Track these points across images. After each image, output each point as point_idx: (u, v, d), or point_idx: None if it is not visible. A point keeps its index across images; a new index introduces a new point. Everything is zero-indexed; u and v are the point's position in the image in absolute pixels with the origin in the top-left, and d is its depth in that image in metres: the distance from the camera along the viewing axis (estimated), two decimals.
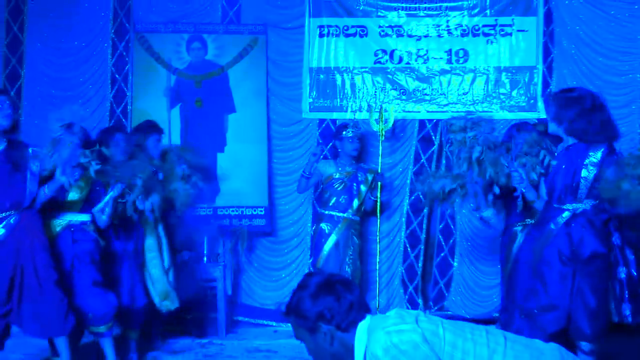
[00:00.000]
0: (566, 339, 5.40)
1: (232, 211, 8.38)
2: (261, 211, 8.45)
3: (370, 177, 7.78)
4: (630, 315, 5.69)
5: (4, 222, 5.78)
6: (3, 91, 6.24)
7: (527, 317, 5.61)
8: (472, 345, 3.11)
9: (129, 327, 6.83)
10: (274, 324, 8.41)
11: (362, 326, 3.21)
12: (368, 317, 3.24)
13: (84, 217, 6.28)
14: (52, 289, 5.81)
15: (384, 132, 7.92)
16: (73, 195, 6.20)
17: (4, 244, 5.77)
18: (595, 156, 5.54)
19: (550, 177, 5.74)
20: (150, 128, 7.25)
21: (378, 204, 7.80)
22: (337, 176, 7.73)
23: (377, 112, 7.99)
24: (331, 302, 3.21)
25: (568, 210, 5.58)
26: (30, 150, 5.89)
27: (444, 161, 8.38)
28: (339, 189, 7.70)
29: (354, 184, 7.75)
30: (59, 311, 5.82)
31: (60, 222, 6.19)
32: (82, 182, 6.18)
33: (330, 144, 8.28)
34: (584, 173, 5.56)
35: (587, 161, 5.56)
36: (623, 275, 5.69)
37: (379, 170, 7.85)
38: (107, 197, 6.31)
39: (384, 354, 3.01)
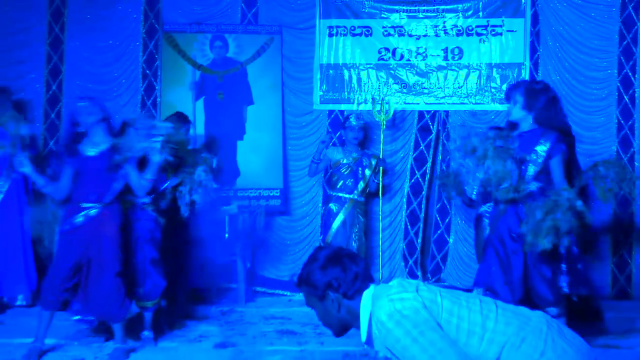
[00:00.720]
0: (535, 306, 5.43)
1: (251, 192, 8.66)
2: (277, 193, 8.73)
3: (374, 162, 8.01)
4: (567, 287, 5.92)
5: (84, 212, 5.99)
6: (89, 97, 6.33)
7: (490, 291, 5.76)
8: (466, 312, 3.15)
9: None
10: (289, 293, 8.53)
11: (367, 294, 3.27)
12: (372, 287, 3.29)
13: (145, 199, 6.46)
14: (112, 280, 5.99)
15: (385, 122, 8.14)
16: None
17: (78, 231, 5.97)
18: (545, 143, 5.78)
19: None
20: (180, 119, 7.26)
21: (380, 186, 8.06)
22: (344, 161, 7.99)
23: (379, 104, 8.19)
24: (338, 273, 3.27)
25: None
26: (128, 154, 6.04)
27: (440, 148, 8.63)
28: (345, 173, 7.96)
29: (359, 169, 7.98)
30: (116, 300, 6.02)
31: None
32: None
33: (339, 133, 8.48)
34: (532, 157, 5.79)
35: (537, 147, 5.79)
36: (562, 251, 5.86)
37: (381, 156, 8.11)
38: (166, 184, 6.61)
39: (388, 319, 3.08)
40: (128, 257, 6.35)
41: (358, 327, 3.31)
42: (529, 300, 5.73)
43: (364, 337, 3.27)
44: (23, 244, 7.83)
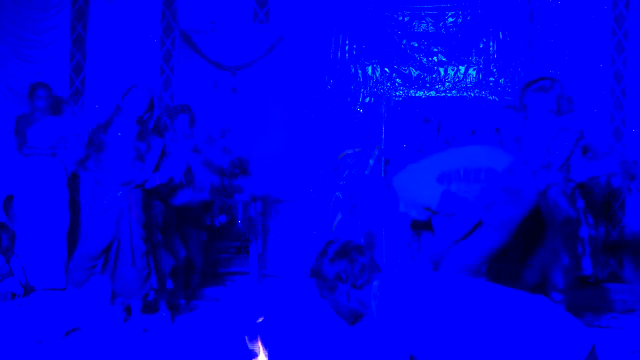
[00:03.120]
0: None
1: (263, 181, 8.60)
2: (287, 181, 8.77)
3: (376, 152, 7.94)
4: (590, 268, 6.05)
5: (113, 194, 6.01)
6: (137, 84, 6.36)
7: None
8: (470, 299, 3.18)
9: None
10: (299, 277, 8.41)
11: (375, 285, 3.31)
12: (379, 277, 3.35)
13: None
14: (139, 259, 6.08)
15: (386, 114, 8.31)
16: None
17: (108, 212, 6.00)
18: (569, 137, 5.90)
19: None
20: (183, 110, 7.35)
21: (383, 175, 8.01)
22: (349, 152, 7.93)
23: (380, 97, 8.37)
24: (346, 265, 3.36)
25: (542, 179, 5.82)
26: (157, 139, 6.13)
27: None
28: (350, 162, 7.85)
29: (364, 158, 7.88)
30: (139, 278, 6.10)
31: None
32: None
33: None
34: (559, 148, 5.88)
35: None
36: (586, 235, 6.02)
37: (383, 146, 8.13)
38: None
39: (399, 309, 3.15)
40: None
41: (369, 316, 3.33)
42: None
43: (375, 326, 3.28)
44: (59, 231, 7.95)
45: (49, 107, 7.98)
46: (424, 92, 8.76)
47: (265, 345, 4.63)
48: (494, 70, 8.64)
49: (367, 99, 8.77)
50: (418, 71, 8.79)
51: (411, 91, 8.80)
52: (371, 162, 8.04)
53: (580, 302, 6.43)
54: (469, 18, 8.69)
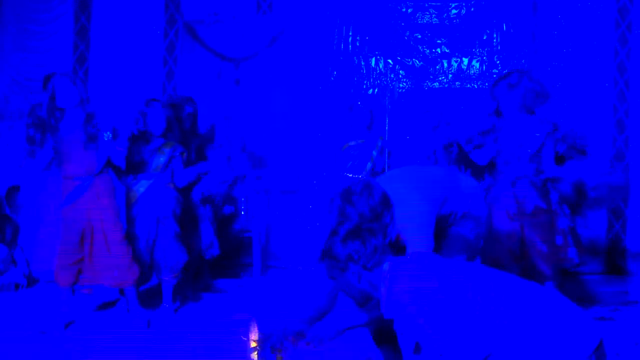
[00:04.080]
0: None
1: (266, 172, 8.60)
2: (290, 172, 8.69)
3: (380, 144, 7.97)
4: (577, 257, 6.09)
5: (79, 186, 5.96)
6: (67, 73, 6.26)
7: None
8: (480, 286, 3.15)
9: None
10: (302, 268, 8.35)
11: (387, 267, 3.30)
12: (390, 259, 3.33)
13: (166, 177, 6.59)
14: (117, 246, 6.02)
15: (390, 105, 8.08)
16: (158, 159, 6.54)
17: (77, 204, 5.96)
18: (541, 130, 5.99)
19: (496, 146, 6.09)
20: (187, 101, 7.33)
21: (386, 166, 7.98)
22: (352, 143, 7.93)
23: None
24: (358, 246, 3.32)
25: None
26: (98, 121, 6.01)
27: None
28: (354, 154, 7.90)
29: (367, 149, 7.91)
30: (123, 264, 6.04)
31: (146, 182, 6.52)
32: (166, 148, 6.58)
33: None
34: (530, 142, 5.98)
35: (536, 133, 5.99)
36: (566, 226, 6.06)
37: (386, 138, 8.06)
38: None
39: (408, 296, 3.12)
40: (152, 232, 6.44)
41: (379, 297, 3.31)
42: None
43: (384, 308, 3.26)
44: None
45: None
46: (427, 84, 8.73)
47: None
48: (498, 62, 8.62)
49: (371, 91, 8.74)
50: (422, 63, 8.77)
51: (414, 83, 8.77)
52: (374, 153, 8.08)
53: (582, 294, 6.45)
54: (472, 10, 8.67)
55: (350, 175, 7.96)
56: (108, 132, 6.08)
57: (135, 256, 6.26)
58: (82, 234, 5.99)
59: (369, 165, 8.01)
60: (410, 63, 8.77)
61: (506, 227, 5.94)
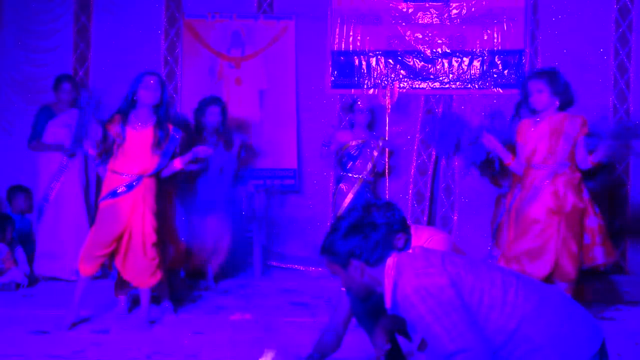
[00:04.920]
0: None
1: (266, 172, 8.65)
2: (291, 173, 8.78)
3: (380, 144, 8.06)
4: (602, 257, 6.15)
5: (128, 183, 6.00)
6: (151, 72, 6.29)
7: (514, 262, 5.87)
8: (489, 285, 3.10)
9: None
10: (302, 268, 8.60)
11: (390, 262, 3.24)
12: (394, 254, 3.27)
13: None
14: (150, 249, 6.05)
15: (390, 106, 8.12)
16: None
17: (122, 201, 6.00)
18: (574, 126, 5.94)
19: (531, 142, 6.04)
20: (215, 102, 7.65)
21: (387, 166, 8.09)
22: (352, 143, 8.00)
23: (384, 89, 8.26)
24: (360, 241, 3.27)
25: (552, 169, 5.93)
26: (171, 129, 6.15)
27: None
28: (354, 154, 7.97)
29: (367, 150, 7.99)
30: (149, 268, 6.07)
31: None
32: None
33: (348, 116, 8.43)
34: (564, 139, 5.93)
35: (569, 130, 5.94)
36: (595, 225, 6.10)
37: (387, 138, 8.13)
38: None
39: (414, 293, 3.04)
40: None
41: (381, 293, 3.27)
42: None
43: (389, 304, 3.23)
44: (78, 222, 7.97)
45: (73, 100, 7.97)
46: (428, 84, 8.69)
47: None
48: (499, 62, 8.59)
49: (371, 91, 8.71)
50: (422, 63, 8.75)
51: (415, 83, 8.75)
52: (375, 153, 8.07)
53: (584, 294, 6.44)
54: (473, 10, 8.64)
55: (351, 175, 8.00)
56: (177, 136, 6.20)
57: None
58: (121, 231, 6.02)
59: (369, 165, 8.04)
60: (411, 63, 8.75)
61: (544, 222, 5.92)
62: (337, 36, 8.80)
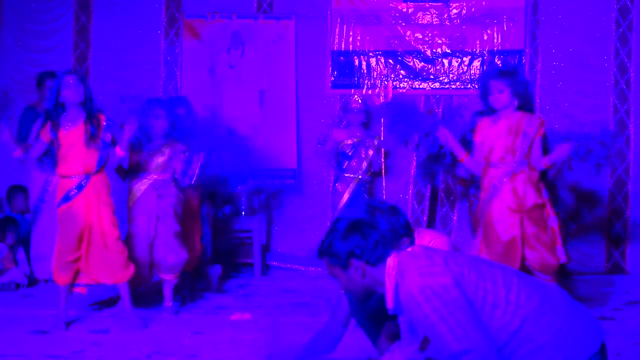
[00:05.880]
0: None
1: (266, 172, 8.58)
2: (291, 173, 8.79)
3: (376, 143, 8.07)
4: (564, 256, 6.30)
5: (77, 184, 5.98)
6: (71, 71, 6.37)
7: None
8: (491, 285, 3.08)
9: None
10: (302, 268, 8.56)
11: (391, 262, 3.21)
12: (394, 253, 3.25)
13: (165, 176, 6.58)
14: (114, 243, 6.02)
15: (384, 105, 8.03)
16: (157, 159, 6.56)
17: (76, 203, 5.97)
18: (532, 125, 6.06)
19: (488, 140, 6.13)
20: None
21: (383, 165, 8.08)
22: (348, 143, 8.01)
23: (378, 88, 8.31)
24: (359, 241, 3.23)
25: (511, 168, 6.02)
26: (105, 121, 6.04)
27: None
28: (350, 153, 7.98)
29: (363, 149, 8.01)
30: (119, 262, 6.03)
31: (147, 181, 6.55)
32: (166, 148, 6.60)
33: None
34: (523, 138, 6.04)
35: (527, 129, 6.05)
36: (555, 224, 6.23)
37: (382, 138, 8.09)
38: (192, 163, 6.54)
39: (419, 293, 3.02)
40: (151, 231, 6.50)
41: (382, 293, 3.25)
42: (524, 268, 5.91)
43: (391, 304, 3.21)
44: None
45: None
46: (428, 84, 8.70)
47: None
48: (499, 62, 8.60)
49: (371, 90, 8.70)
50: (422, 63, 8.76)
51: (415, 83, 8.76)
52: (371, 152, 8.09)
53: (583, 293, 6.46)
54: (473, 10, 8.65)
55: (347, 175, 8.00)
56: (110, 132, 6.12)
57: (134, 256, 6.31)
58: (81, 232, 6.00)
59: (365, 164, 8.05)
60: (411, 63, 8.76)
61: (507, 220, 6.00)
62: (337, 36, 8.81)
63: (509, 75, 6.10)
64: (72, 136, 6.01)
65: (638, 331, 5.85)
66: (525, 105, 6.17)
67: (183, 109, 7.29)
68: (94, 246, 6.03)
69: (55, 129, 6.00)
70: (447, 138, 6.25)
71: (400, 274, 3.14)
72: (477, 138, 6.19)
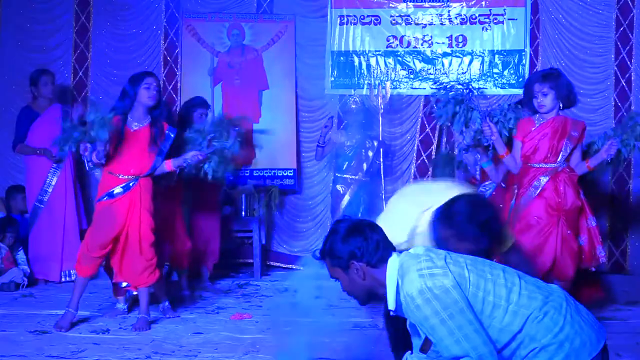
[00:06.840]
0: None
1: (266, 173, 8.68)
2: (290, 173, 8.77)
3: (376, 144, 8.04)
4: (605, 256, 6.28)
5: (124, 184, 6.00)
6: (150, 73, 6.35)
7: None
8: (492, 285, 3.08)
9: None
10: (302, 268, 8.33)
11: (392, 262, 3.21)
12: (396, 254, 3.24)
13: None
14: (147, 249, 6.07)
15: (382, 106, 8.11)
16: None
17: (118, 202, 6.00)
18: (576, 130, 6.02)
19: (531, 141, 6.06)
20: (202, 104, 7.43)
21: (381, 166, 8.04)
22: (347, 144, 7.98)
23: (376, 88, 8.23)
24: (360, 242, 3.22)
25: (553, 168, 5.98)
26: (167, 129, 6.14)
27: (445, 131, 8.58)
28: (349, 154, 7.95)
29: (362, 150, 7.98)
30: (147, 268, 6.08)
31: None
32: None
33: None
34: (567, 141, 6.00)
35: (572, 132, 6.00)
36: (594, 224, 6.16)
37: (381, 139, 8.09)
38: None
39: (419, 295, 3.01)
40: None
41: (383, 295, 3.24)
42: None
43: (392, 306, 3.20)
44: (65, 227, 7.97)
45: (54, 95, 8.03)
46: (428, 84, 8.66)
47: None
48: (499, 62, 8.60)
49: (364, 91, 8.67)
50: (422, 63, 8.76)
51: (415, 83, 8.75)
52: (370, 153, 8.08)
53: (583, 294, 6.44)
54: (473, 10, 8.65)
55: (347, 176, 7.98)
56: (172, 134, 6.19)
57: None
58: (118, 233, 6.02)
59: (364, 166, 8.04)
60: (411, 63, 8.75)
61: (545, 219, 5.97)
62: (337, 36, 8.81)
63: (553, 78, 6.06)
64: (136, 137, 6.05)
65: (638, 331, 5.86)
66: (569, 106, 6.18)
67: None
68: (130, 249, 6.07)
69: (123, 124, 6.01)
70: (493, 132, 6.17)
71: (401, 275, 3.14)
72: (519, 137, 6.14)
